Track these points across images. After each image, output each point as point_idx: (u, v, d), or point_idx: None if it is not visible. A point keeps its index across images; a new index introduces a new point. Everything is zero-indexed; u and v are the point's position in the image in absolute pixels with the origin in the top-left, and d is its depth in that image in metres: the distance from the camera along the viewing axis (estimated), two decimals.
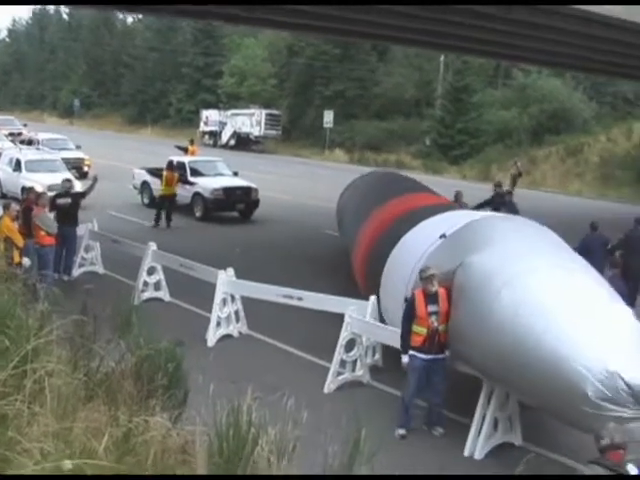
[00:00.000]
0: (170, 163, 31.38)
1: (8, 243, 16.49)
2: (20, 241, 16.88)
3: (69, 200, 20.73)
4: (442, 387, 12.03)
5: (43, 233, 18.70)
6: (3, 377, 7.20)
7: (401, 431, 11.99)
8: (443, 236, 13.20)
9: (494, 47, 34.54)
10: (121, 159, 51.57)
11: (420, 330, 11.83)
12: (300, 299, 15.27)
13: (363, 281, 17.15)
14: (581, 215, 28.31)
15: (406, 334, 12.03)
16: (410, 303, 12.05)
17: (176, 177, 30.65)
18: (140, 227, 28.65)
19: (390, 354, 14.39)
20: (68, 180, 22.14)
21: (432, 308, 11.72)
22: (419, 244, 13.85)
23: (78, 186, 25.96)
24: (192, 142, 47.50)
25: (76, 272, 20.82)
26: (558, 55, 35.82)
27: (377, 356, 14.99)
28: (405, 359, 12.02)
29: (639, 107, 65.39)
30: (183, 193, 31.27)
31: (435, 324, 11.70)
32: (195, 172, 32.84)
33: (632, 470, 6.99)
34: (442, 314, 11.72)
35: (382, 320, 14.59)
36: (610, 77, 57.74)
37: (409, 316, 11.98)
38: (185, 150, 43.94)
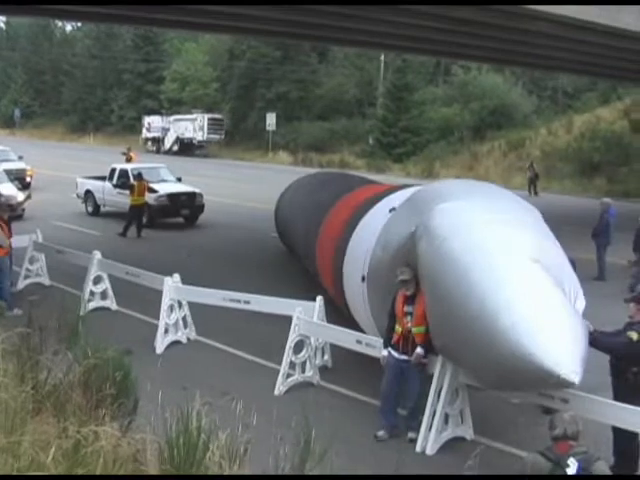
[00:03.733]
0: (140, 174, 31.16)
1: None
2: None
3: None
4: (414, 390, 11.89)
5: None
6: None
7: (380, 433, 11.91)
8: (392, 209, 13.18)
9: (433, 45, 34.76)
10: (64, 168, 51.20)
11: (397, 329, 11.84)
12: (247, 302, 15.23)
13: (330, 277, 17.10)
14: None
15: (388, 331, 12.03)
16: (392, 300, 11.96)
17: (145, 186, 30.43)
18: (85, 236, 28.42)
19: (339, 354, 14.47)
20: None
21: (408, 309, 11.68)
22: (373, 223, 13.88)
23: (21, 197, 25.63)
24: (129, 149, 47.51)
25: (21, 284, 20.58)
26: (497, 51, 36.13)
27: (326, 357, 14.98)
28: (384, 353, 11.98)
29: (579, 100, 66.17)
30: (127, 201, 30.99)
31: (409, 325, 11.65)
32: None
33: (572, 464, 7.05)
34: (416, 316, 11.61)
35: (347, 309, 14.65)
36: (549, 71, 58.38)
37: (391, 313, 11.97)
38: (128, 158, 43.78)
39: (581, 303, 10.77)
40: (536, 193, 45.98)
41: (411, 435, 11.79)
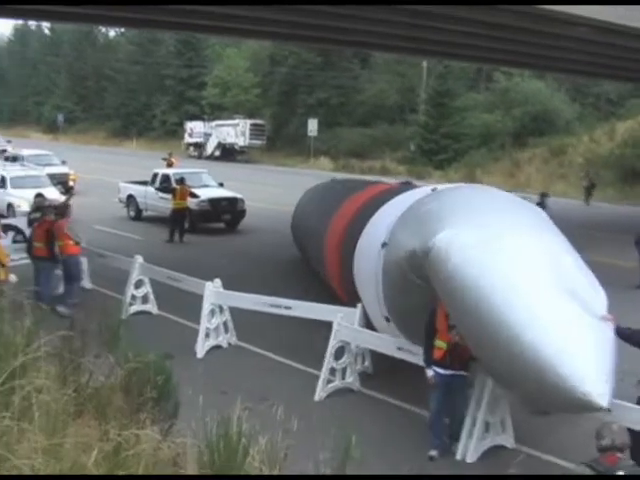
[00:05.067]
0: (182, 179, 31.38)
1: None
2: (5, 258, 16.91)
3: (38, 215, 20.55)
4: (461, 404, 11.59)
5: (71, 242, 18.91)
6: None
7: (432, 452, 11.52)
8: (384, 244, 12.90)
9: (475, 51, 34.60)
10: (106, 173, 51.55)
11: (440, 344, 11.43)
12: (288, 308, 15.24)
13: (338, 276, 17.11)
14: (577, 218, 28.00)
15: (428, 349, 11.62)
16: (431, 317, 11.54)
17: (187, 191, 30.61)
18: (126, 240, 28.57)
19: (380, 361, 14.41)
20: (39, 195, 22.06)
21: (451, 322, 11.22)
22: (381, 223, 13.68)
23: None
24: (171, 154, 47.83)
25: (62, 287, 20.71)
26: (540, 57, 35.92)
27: (367, 363, 14.95)
28: (430, 373, 11.61)
29: (622, 107, 65.60)
30: (169, 205, 31.14)
31: (456, 338, 11.21)
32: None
33: None
34: (440, 331, 11.34)
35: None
36: (592, 78, 57.94)
37: (429, 331, 11.56)
38: (169, 163, 44.04)
39: (601, 301, 10.35)
40: (587, 203, 45.42)
41: (456, 446, 11.53)
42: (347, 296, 15.99)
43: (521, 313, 9.65)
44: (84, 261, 20.74)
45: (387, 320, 13.06)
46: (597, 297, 10.35)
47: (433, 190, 13.29)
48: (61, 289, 19.52)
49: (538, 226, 11.27)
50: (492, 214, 11.30)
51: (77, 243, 19.06)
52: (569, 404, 9.45)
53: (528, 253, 10.36)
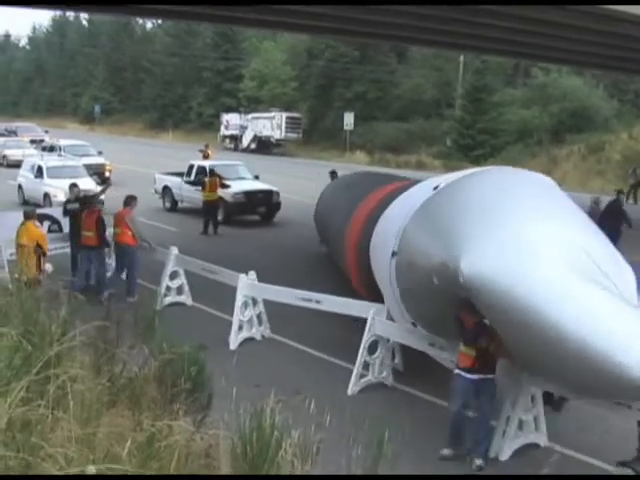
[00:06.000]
0: (212, 170, 31.65)
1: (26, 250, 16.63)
2: (47, 247, 17.21)
3: (76, 205, 20.74)
4: (488, 407, 11.31)
5: (130, 233, 19.43)
6: (26, 383, 7.20)
7: (445, 451, 11.35)
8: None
9: (513, 46, 34.46)
10: (142, 164, 51.73)
11: (469, 352, 11.17)
12: (318, 302, 15.23)
13: (356, 267, 17.06)
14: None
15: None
16: (457, 323, 11.26)
17: (218, 182, 30.72)
18: (162, 231, 28.66)
19: (412, 357, 14.36)
20: (75, 185, 22.12)
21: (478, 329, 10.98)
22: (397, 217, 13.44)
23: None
24: (207, 146, 47.87)
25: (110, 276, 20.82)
26: (578, 53, 35.70)
27: (397, 359, 14.90)
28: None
29: None
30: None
31: (484, 344, 10.98)
32: None
33: None
34: (489, 334, 10.91)
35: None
36: (631, 75, 57.45)
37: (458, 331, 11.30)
38: (205, 155, 44.11)
39: (631, 283, 10.25)
40: (635, 201, 44.46)
41: (479, 463, 11.12)
42: (367, 293, 15.99)
43: (568, 312, 9.41)
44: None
45: (414, 325, 13.03)
46: (628, 280, 10.24)
47: (435, 189, 12.59)
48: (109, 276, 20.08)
49: (559, 214, 10.88)
50: (509, 214, 10.76)
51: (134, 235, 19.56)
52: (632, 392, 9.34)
53: (555, 251, 10.00)
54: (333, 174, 29.61)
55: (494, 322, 10.56)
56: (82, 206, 20.47)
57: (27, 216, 17.70)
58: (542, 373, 10.65)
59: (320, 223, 24.94)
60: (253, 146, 78.17)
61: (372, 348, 13.93)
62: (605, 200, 26.63)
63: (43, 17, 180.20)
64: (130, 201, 20.11)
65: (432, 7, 23.78)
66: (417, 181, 15.65)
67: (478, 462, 11.08)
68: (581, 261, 9.89)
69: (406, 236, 12.37)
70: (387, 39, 42.06)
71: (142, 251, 19.81)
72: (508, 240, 10.23)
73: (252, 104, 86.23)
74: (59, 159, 38.64)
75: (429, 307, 11.96)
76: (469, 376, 11.15)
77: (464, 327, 11.19)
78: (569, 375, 9.82)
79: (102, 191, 22.72)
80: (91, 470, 6.08)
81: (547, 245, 10.05)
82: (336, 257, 21.08)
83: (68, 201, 21.48)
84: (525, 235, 10.21)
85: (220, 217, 31.08)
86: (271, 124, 76.84)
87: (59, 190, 30.95)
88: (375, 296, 14.52)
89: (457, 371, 11.33)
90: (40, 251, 16.76)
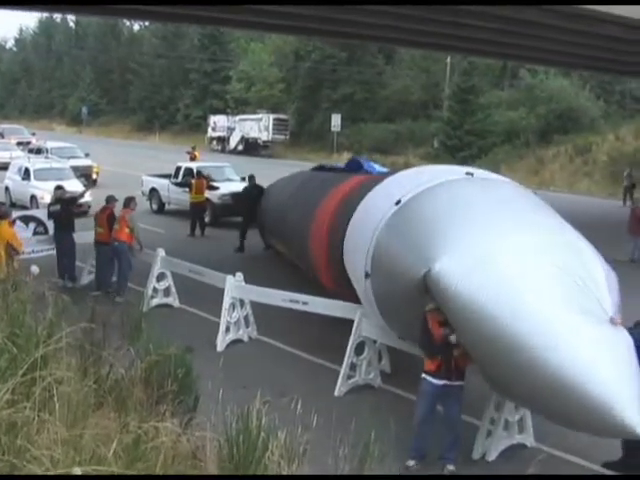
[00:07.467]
0: (199, 172, 31.77)
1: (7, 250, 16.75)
2: (21, 246, 17.31)
3: (58, 207, 20.80)
4: (455, 414, 11.13)
5: (127, 231, 19.67)
6: (12, 385, 7.18)
7: (410, 463, 11.03)
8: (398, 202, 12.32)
9: (499, 47, 34.54)
10: (129, 166, 51.68)
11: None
12: (305, 304, 15.21)
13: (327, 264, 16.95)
14: (599, 215, 27.63)
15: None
16: (422, 326, 11.07)
17: (205, 184, 30.70)
18: (149, 233, 28.58)
19: (399, 358, 14.36)
20: (59, 187, 22.20)
21: (446, 331, 10.76)
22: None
23: (87, 194, 25.75)
24: (194, 148, 47.93)
25: (86, 279, 20.84)
26: (564, 54, 35.80)
27: (384, 361, 14.88)
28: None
29: None
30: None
31: (455, 352, 10.75)
32: None
33: None
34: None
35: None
36: (617, 75, 57.63)
37: (423, 340, 11.17)
38: (192, 157, 44.08)
39: (601, 283, 10.02)
40: (624, 203, 44.02)
41: (451, 468, 10.95)
42: (340, 289, 15.83)
43: (540, 335, 9.30)
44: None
45: (402, 339, 13.06)
46: (599, 281, 10.03)
47: (397, 203, 12.33)
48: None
49: (537, 224, 10.87)
50: (479, 222, 10.82)
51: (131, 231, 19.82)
52: (602, 429, 9.19)
53: (533, 265, 9.94)
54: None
55: (459, 329, 10.52)
56: (63, 207, 20.62)
57: (0, 216, 17.78)
58: (498, 384, 10.53)
59: (271, 225, 24.61)
60: (240, 148, 78.17)
61: (359, 349, 13.93)
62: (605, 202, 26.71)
63: (30, 19, 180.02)
64: (130, 202, 20.34)
65: (411, 7, 23.80)
66: (373, 179, 15.80)
67: (450, 468, 10.96)
68: (563, 275, 9.82)
69: (377, 257, 12.29)
70: (373, 40, 42.10)
71: (131, 252, 19.84)
72: (478, 247, 10.29)
73: (239, 106, 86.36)
74: (46, 161, 38.56)
75: (413, 325, 11.68)
76: (435, 381, 10.96)
77: (431, 329, 10.99)
78: (522, 385, 9.76)
79: (82, 193, 22.99)
80: (76, 472, 6.07)
81: (527, 258, 10.04)
82: (296, 255, 20.82)
83: (51, 203, 21.52)
84: (493, 242, 10.31)
85: (207, 219, 31.07)
86: (258, 126, 76.90)
87: (46, 192, 30.88)
88: (349, 290, 14.40)
89: (423, 375, 11.13)
90: (13, 251, 16.89)
